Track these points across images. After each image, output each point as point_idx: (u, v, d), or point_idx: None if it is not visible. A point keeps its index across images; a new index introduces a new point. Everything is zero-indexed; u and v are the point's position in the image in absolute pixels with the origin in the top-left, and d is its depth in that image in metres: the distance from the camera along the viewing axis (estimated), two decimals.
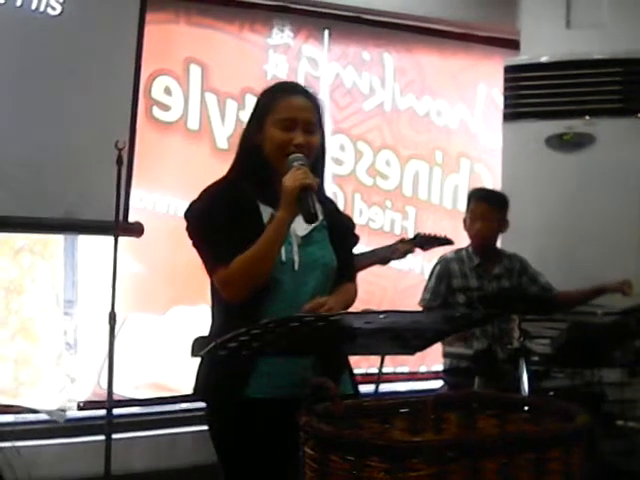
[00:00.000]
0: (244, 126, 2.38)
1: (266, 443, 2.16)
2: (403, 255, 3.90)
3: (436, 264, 4.04)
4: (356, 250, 2.57)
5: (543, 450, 1.53)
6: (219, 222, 2.22)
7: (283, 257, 2.22)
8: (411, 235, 4.23)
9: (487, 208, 3.96)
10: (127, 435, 4.05)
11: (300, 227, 2.26)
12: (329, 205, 2.41)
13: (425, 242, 3.97)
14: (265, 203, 2.26)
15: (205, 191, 2.32)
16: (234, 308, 2.20)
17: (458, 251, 4.03)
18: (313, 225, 2.28)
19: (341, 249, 2.35)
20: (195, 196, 2.33)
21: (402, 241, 3.94)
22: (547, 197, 4.51)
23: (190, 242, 2.30)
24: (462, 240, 4.11)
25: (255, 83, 4.21)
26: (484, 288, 3.92)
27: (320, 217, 2.28)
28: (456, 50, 5.26)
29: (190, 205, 2.32)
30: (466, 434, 1.81)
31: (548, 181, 4.53)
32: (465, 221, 4.02)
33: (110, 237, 3.50)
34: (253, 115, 2.34)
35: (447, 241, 4.03)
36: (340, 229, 2.39)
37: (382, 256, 3.86)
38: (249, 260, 2.17)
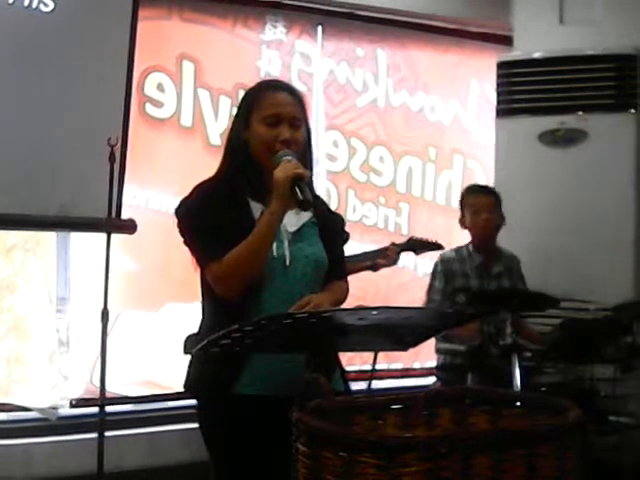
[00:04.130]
0: (230, 124, 2.38)
1: (257, 440, 2.16)
2: (393, 261, 3.86)
3: (436, 264, 3.98)
4: (347, 248, 2.56)
5: (535, 445, 1.53)
6: (210, 218, 2.22)
7: (275, 253, 2.22)
8: (404, 232, 4.23)
9: (489, 200, 3.93)
10: (119, 433, 4.03)
11: (291, 223, 2.27)
12: (319, 204, 2.40)
13: (418, 246, 3.95)
14: (255, 200, 2.26)
15: (195, 189, 2.33)
16: (225, 304, 2.20)
17: (458, 250, 3.97)
18: (303, 221, 2.28)
19: (331, 247, 2.35)
20: (187, 193, 2.33)
21: (393, 244, 3.92)
22: (540, 193, 4.51)
23: (181, 240, 2.30)
24: (455, 236, 4.10)
25: (248, 79, 4.17)
26: (485, 288, 3.89)
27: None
28: (449, 46, 5.25)
29: (181, 203, 2.33)
30: (458, 430, 1.81)
31: (541, 177, 4.53)
32: (463, 219, 3.96)
33: (103, 234, 3.50)
34: (239, 113, 2.35)
35: (438, 246, 4.00)
36: (330, 227, 2.39)
37: (372, 262, 3.82)
38: (242, 254, 2.16)
